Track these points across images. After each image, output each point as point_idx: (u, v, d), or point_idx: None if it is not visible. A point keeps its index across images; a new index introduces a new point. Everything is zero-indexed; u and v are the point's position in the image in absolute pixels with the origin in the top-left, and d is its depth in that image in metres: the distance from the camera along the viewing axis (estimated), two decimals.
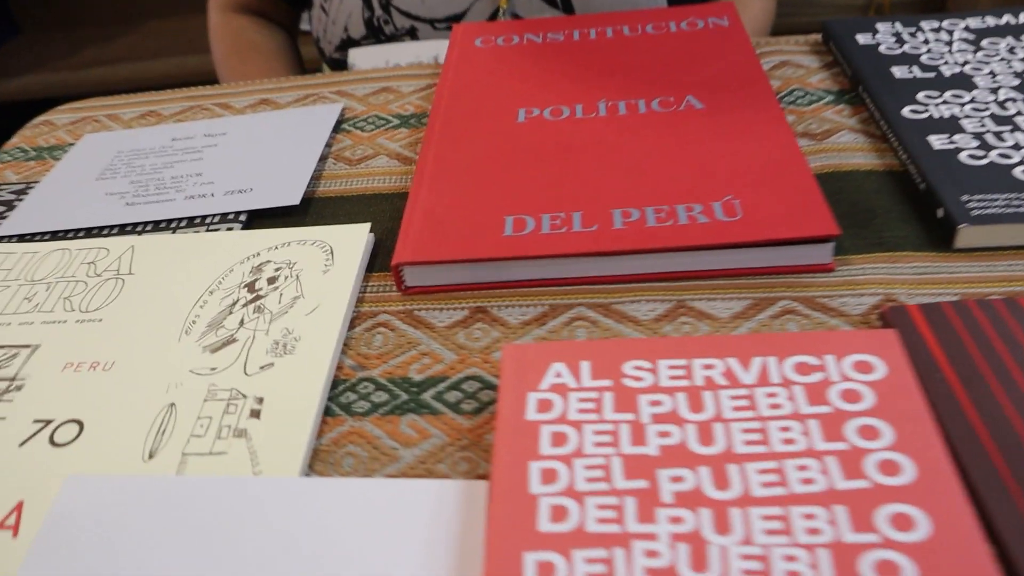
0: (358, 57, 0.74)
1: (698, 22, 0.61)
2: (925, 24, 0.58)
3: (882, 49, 0.56)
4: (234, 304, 0.44)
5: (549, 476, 0.30)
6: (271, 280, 0.44)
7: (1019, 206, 0.41)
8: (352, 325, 0.42)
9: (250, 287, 0.44)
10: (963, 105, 0.49)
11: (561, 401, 0.33)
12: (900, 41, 0.56)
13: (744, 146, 0.47)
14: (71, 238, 0.52)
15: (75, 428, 0.38)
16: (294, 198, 0.51)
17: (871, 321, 0.38)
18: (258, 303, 0.43)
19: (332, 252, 0.45)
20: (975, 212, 0.41)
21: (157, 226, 0.52)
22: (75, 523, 0.33)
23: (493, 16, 0.72)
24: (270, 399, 0.38)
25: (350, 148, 0.56)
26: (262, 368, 0.39)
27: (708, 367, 0.34)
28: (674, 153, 0.47)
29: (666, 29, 0.61)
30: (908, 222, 0.44)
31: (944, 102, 0.50)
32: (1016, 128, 0.47)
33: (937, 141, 0.46)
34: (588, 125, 0.51)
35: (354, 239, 0.46)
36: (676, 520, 0.29)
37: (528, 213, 0.44)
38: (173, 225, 0.51)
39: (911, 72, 0.53)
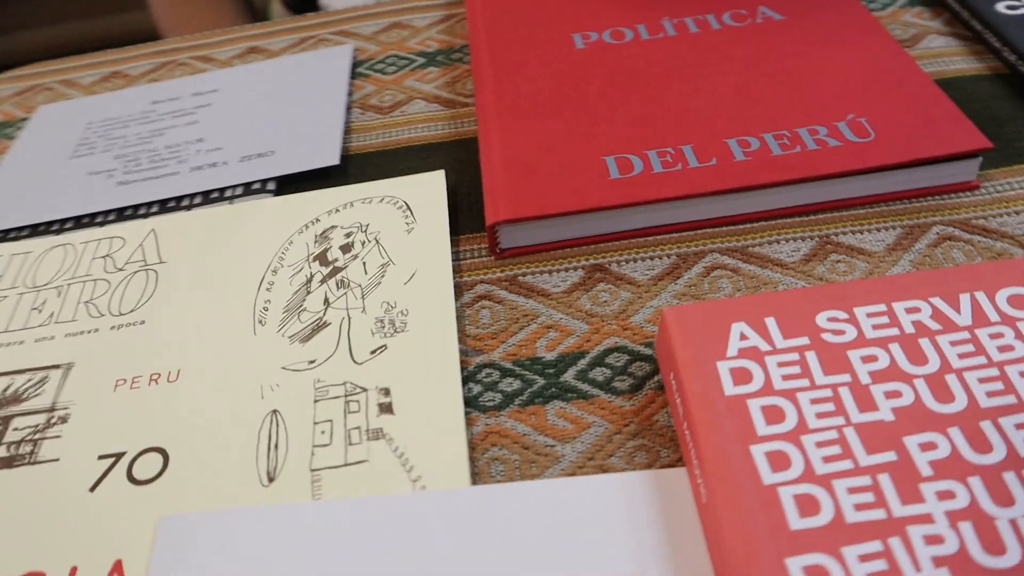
0: None
1: None
2: None
3: None
4: (309, 281, 0.36)
5: (780, 461, 0.25)
6: (345, 248, 0.38)
7: None
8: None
9: (321, 259, 0.37)
10: None
11: (759, 368, 0.28)
12: None
13: (847, 56, 0.42)
14: (63, 230, 0.43)
15: (158, 459, 0.31)
16: (332, 157, 0.44)
17: None
18: (339, 276, 0.36)
19: (409, 208, 0.39)
20: None
21: (165, 206, 0.43)
22: (190, 572, 0.27)
23: None
24: (397, 388, 0.31)
25: (375, 94, 0.49)
26: (373, 353, 0.33)
27: (912, 310, 0.29)
28: (770, 71, 0.42)
29: None
30: None
31: None
32: None
33: None
34: (659, 47, 0.45)
35: (431, 190, 0.39)
36: (946, 495, 0.24)
37: (631, 152, 0.38)
38: (185, 203, 0.43)
39: None
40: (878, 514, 0.24)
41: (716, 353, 0.29)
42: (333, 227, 0.39)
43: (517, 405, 0.31)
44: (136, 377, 0.34)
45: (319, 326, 0.34)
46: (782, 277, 0.34)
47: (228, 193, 0.43)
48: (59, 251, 0.41)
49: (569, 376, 0.32)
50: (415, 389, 0.31)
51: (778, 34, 0.44)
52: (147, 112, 0.51)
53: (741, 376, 0.28)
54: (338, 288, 0.36)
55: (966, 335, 0.28)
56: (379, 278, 0.36)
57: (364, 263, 0.37)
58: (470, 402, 0.32)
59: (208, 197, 0.43)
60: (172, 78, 0.54)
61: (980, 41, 0.46)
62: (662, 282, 0.35)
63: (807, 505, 0.24)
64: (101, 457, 0.31)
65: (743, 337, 0.29)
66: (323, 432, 0.31)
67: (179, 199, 0.44)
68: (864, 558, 0.23)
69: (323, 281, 0.36)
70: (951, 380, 0.27)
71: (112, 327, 0.36)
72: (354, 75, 0.51)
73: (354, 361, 0.33)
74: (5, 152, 0.50)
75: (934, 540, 0.23)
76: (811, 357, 0.28)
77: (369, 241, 0.38)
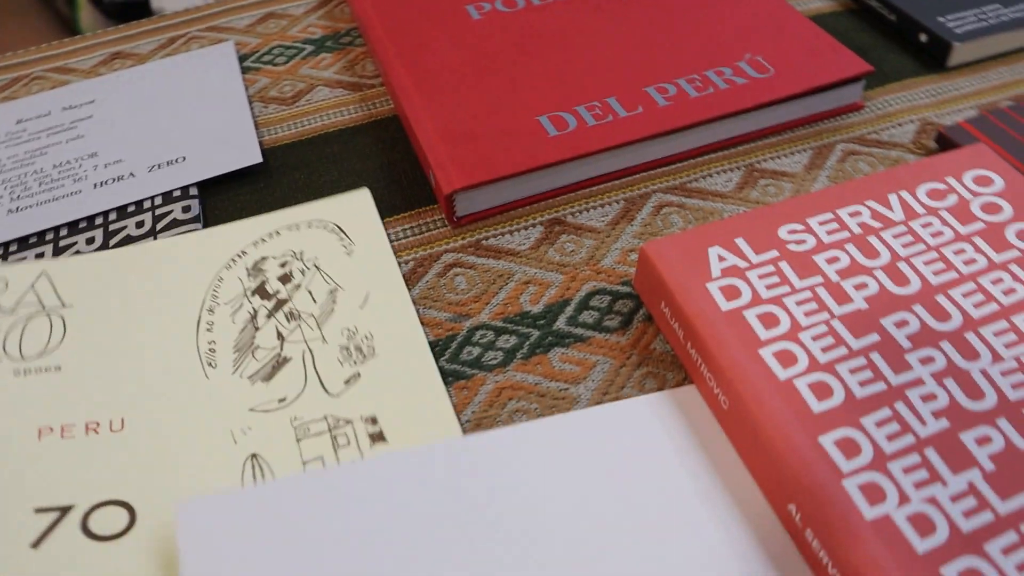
0: None
1: None
2: None
3: None
4: (254, 317, 0.34)
5: (787, 358, 0.28)
6: (284, 279, 0.36)
7: (996, 17, 0.44)
8: (416, 277, 0.36)
9: (261, 292, 0.35)
10: None
11: (744, 283, 0.31)
12: None
13: (730, 3, 0.46)
14: None
15: (122, 513, 0.29)
16: (253, 155, 0.42)
17: (927, 144, 0.40)
18: (287, 308, 0.35)
19: (342, 230, 0.38)
20: (959, 30, 0.44)
21: (75, 229, 0.40)
22: (222, 550, 0.25)
23: None
24: (384, 414, 0.31)
25: (273, 86, 0.47)
26: (347, 383, 0.32)
27: (855, 214, 0.33)
28: (665, 21, 0.45)
29: None
30: (894, 52, 0.45)
31: None
32: None
33: None
34: (554, 10, 0.46)
35: (360, 207, 0.38)
36: (927, 360, 0.28)
37: (562, 110, 0.39)
38: (100, 223, 0.40)
39: None
40: (880, 387, 0.27)
41: (702, 276, 0.31)
42: (264, 258, 0.37)
43: (520, 359, 0.32)
44: (67, 425, 0.31)
45: (280, 362, 0.33)
46: (724, 206, 0.37)
47: (147, 205, 0.40)
48: None
49: (561, 323, 0.33)
50: (403, 412, 0.31)
51: None
52: (15, 133, 0.46)
53: (731, 293, 0.30)
54: (289, 321, 0.34)
55: (903, 228, 0.32)
56: (331, 305, 0.35)
57: (310, 291, 0.35)
58: (472, 364, 0.32)
59: (124, 213, 0.40)
60: (31, 94, 0.49)
61: None
62: (619, 225, 0.37)
63: (821, 391, 0.27)
64: (39, 511, 0.29)
65: (721, 259, 0.32)
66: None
67: (91, 220, 0.40)
68: (880, 423, 0.26)
69: (270, 315, 0.34)
70: (903, 267, 0.31)
71: (17, 372, 0.33)
72: (242, 70, 0.49)
73: (328, 393, 0.32)
74: None
75: (929, 398, 0.27)
76: (784, 266, 0.31)
77: (308, 269, 0.36)
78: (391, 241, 0.37)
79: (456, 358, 0.32)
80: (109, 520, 0.28)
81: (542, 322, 0.33)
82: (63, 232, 0.40)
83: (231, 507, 0.27)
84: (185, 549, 0.26)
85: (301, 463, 0.30)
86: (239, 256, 0.37)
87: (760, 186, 0.38)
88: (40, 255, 0.39)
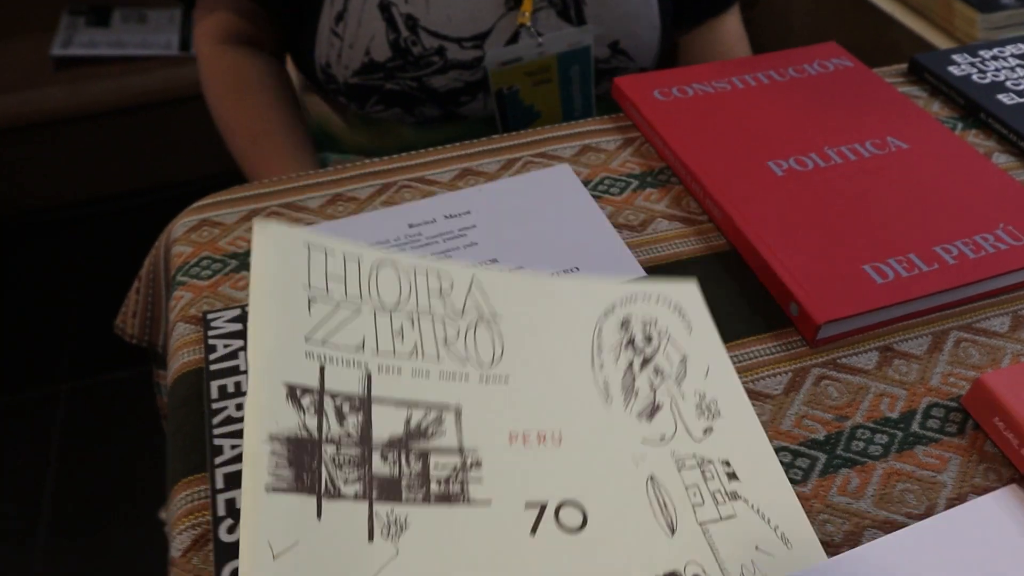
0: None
1: (827, 64, 0.72)
2: (985, 52, 0.75)
3: (975, 78, 0.72)
4: (630, 366, 0.45)
5: None
6: (647, 339, 0.46)
7: None
8: (795, 386, 0.49)
9: (632, 345, 0.46)
10: None
11: None
12: (981, 69, 0.73)
13: (968, 176, 0.60)
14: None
15: (576, 513, 0.39)
16: (636, 270, 0.55)
17: None
18: (653, 365, 0.46)
19: (682, 311, 0.48)
20: None
21: None
22: None
23: (516, 34, 0.77)
24: (735, 459, 0.43)
25: (619, 213, 0.60)
26: (705, 433, 0.44)
27: None
28: (929, 193, 0.59)
29: (799, 73, 0.72)
30: None
31: None
32: None
33: None
34: (839, 172, 0.61)
35: (690, 296, 0.50)
36: None
37: (877, 260, 0.54)
38: None
39: (1010, 98, 0.70)
40: None
41: None
42: (630, 317, 0.46)
43: (895, 451, 0.46)
44: (526, 433, 0.41)
45: (655, 407, 0.44)
46: (1003, 344, 0.51)
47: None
48: (390, 270, 0.45)
49: (915, 427, 0.47)
50: (745, 457, 0.43)
51: (917, 160, 0.62)
52: (412, 236, 0.59)
53: None
54: (656, 375, 0.45)
55: None
56: (683, 370, 0.45)
57: (667, 356, 0.45)
58: (862, 452, 0.45)
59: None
60: (402, 202, 0.62)
61: None
62: (933, 355, 0.51)
63: None
64: (528, 505, 0.39)
65: None
66: (694, 494, 0.41)
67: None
68: None
69: (642, 367, 0.45)
70: None
71: (482, 378, 0.42)
72: None
73: (692, 439, 0.43)
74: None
75: None
76: None
77: (663, 336, 0.46)
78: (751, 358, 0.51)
79: (848, 446, 0.46)
80: (569, 517, 0.39)
81: (902, 425, 0.47)
82: None
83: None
84: None
85: (684, 487, 0.41)
86: (611, 310, 0.47)
87: None
88: None
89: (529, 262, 0.56)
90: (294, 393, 0.39)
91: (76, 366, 1.52)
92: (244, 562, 0.33)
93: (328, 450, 0.38)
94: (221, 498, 0.42)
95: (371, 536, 0.37)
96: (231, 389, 0.48)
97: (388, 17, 0.74)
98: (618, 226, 0.60)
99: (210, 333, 0.52)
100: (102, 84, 1.55)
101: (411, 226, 0.60)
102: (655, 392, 0.45)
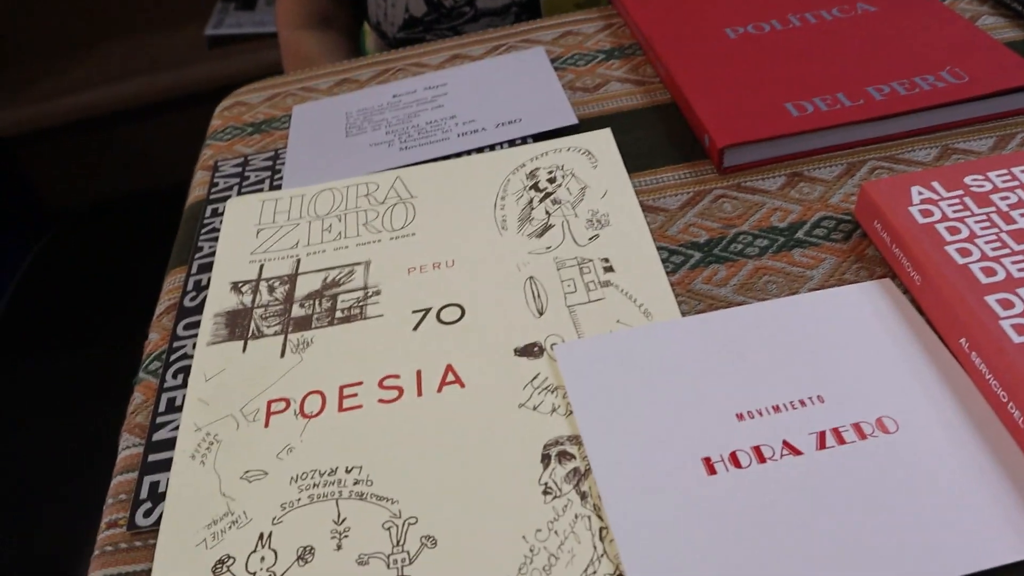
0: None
1: None
2: None
3: None
4: (531, 202, 0.53)
5: (965, 252, 0.42)
6: (551, 180, 0.55)
7: None
8: (693, 202, 0.52)
9: (535, 188, 0.54)
10: None
11: (936, 208, 0.45)
12: None
13: (935, 29, 0.60)
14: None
15: (456, 311, 0.47)
16: (570, 118, 0.60)
17: None
18: (552, 197, 0.53)
19: (591, 152, 0.56)
20: None
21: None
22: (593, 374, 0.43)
23: None
24: (614, 256, 0.48)
25: (577, 80, 0.66)
26: (590, 239, 0.50)
27: None
28: (882, 44, 0.59)
29: None
30: None
31: None
32: None
33: None
34: (794, 33, 0.62)
35: (602, 142, 0.57)
36: None
37: (802, 99, 0.55)
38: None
39: None
40: None
41: (906, 203, 0.46)
42: (537, 168, 0.56)
43: (771, 252, 0.48)
44: (422, 265, 0.50)
45: (546, 227, 0.51)
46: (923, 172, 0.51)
47: (493, 149, 0.60)
48: (327, 193, 0.57)
49: (800, 234, 0.49)
50: (626, 255, 0.48)
51: (877, 21, 0.62)
52: (393, 103, 0.67)
53: (925, 213, 0.45)
54: (553, 204, 0.53)
55: None
56: (581, 196, 0.53)
57: (568, 188, 0.54)
58: (739, 253, 0.48)
59: (480, 152, 0.60)
60: (397, 80, 0.71)
61: (1020, 17, 0.64)
62: (842, 179, 0.52)
63: (988, 272, 0.41)
64: (415, 311, 0.47)
65: (920, 193, 0.46)
66: (568, 285, 0.47)
67: (457, 156, 0.60)
68: None
69: (541, 201, 0.53)
70: None
71: (392, 238, 0.53)
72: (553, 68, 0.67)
73: (577, 244, 0.49)
74: (284, 138, 0.66)
75: None
76: (967, 200, 0.45)
77: (567, 175, 0.55)
78: (666, 182, 0.54)
79: (727, 247, 0.48)
80: (449, 314, 0.47)
81: (787, 232, 0.49)
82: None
83: (592, 347, 0.44)
84: (569, 384, 0.43)
85: (560, 281, 0.47)
86: (520, 167, 0.56)
87: (952, 159, 0.52)
88: None
89: (480, 116, 0.63)
90: (236, 286, 0.52)
91: None
92: (188, 390, 0.46)
93: (258, 312, 0.50)
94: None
95: (283, 354, 0.47)
96: (221, 210, 0.59)
97: None
98: (573, 89, 0.64)
99: (216, 174, 0.63)
100: (244, 58, 1.77)
101: (395, 96, 0.68)
102: (549, 216, 0.52)
